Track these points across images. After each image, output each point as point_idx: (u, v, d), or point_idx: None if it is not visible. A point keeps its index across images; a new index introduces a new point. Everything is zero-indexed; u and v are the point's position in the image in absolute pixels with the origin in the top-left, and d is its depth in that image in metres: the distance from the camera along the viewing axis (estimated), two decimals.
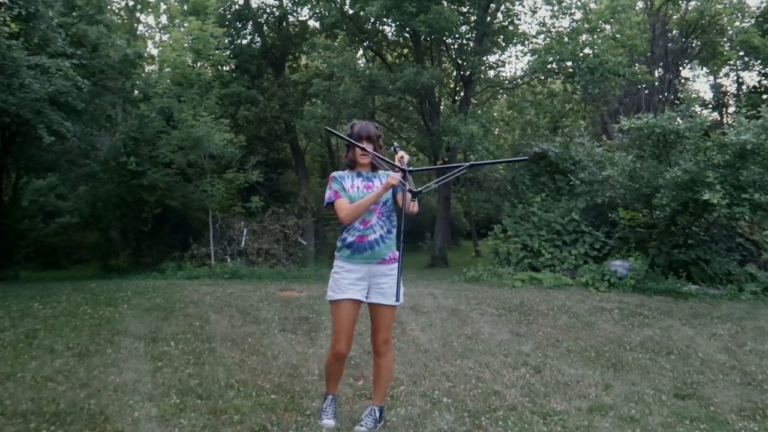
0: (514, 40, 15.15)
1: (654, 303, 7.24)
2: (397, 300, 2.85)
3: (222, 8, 15.08)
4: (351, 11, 14.29)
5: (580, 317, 6.24)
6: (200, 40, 11.76)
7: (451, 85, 18.00)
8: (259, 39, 16.88)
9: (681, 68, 18.10)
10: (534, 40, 14.93)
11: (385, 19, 13.87)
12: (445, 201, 15.54)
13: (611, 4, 12.78)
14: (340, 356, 2.94)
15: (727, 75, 20.12)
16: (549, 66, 13.23)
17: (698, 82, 39.60)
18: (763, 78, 18.03)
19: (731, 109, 19.80)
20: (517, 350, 4.74)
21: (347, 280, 2.87)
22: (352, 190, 2.90)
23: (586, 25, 13.35)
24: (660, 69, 16.96)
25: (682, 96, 10.05)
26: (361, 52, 17.80)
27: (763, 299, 7.64)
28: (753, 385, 3.88)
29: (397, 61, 16.63)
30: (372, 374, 3.15)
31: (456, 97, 17.12)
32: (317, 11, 14.85)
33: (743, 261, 9.16)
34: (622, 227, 10.18)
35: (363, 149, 2.88)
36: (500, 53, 16.06)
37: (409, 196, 2.71)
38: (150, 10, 19.60)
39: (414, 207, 2.72)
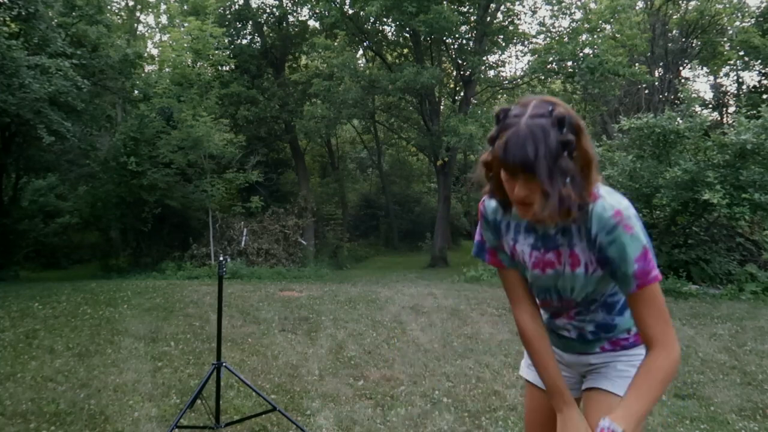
0: (514, 40, 15.17)
1: None
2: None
3: (222, 8, 15.09)
4: (351, 11, 14.29)
5: None
6: (200, 40, 11.77)
7: (451, 85, 18.00)
8: (258, 39, 16.88)
9: (681, 68, 18.10)
10: (534, 40, 14.95)
11: (384, 19, 13.88)
12: (445, 201, 15.53)
13: (611, 4, 12.78)
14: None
15: (727, 75, 20.12)
16: (549, 66, 13.24)
17: (698, 82, 39.52)
18: (763, 78, 18.04)
19: (731, 109, 19.80)
20: (517, 350, 4.73)
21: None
22: (515, 255, 1.42)
23: (586, 25, 13.35)
24: (660, 69, 16.96)
25: (682, 96, 10.05)
26: (361, 52, 17.80)
27: (763, 299, 7.63)
28: (753, 385, 3.87)
29: (397, 61, 16.63)
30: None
31: (456, 97, 17.12)
32: (317, 11, 14.84)
33: (743, 261, 9.14)
34: None
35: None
36: (500, 53, 16.10)
37: None
38: (150, 10, 19.62)
39: None
